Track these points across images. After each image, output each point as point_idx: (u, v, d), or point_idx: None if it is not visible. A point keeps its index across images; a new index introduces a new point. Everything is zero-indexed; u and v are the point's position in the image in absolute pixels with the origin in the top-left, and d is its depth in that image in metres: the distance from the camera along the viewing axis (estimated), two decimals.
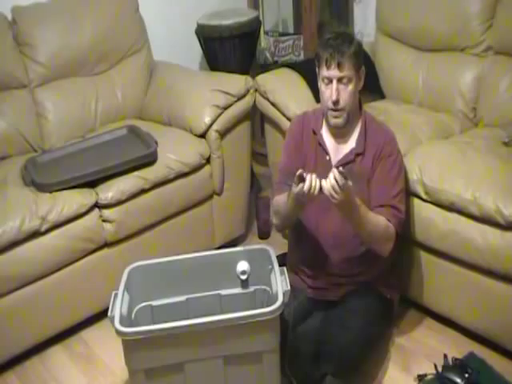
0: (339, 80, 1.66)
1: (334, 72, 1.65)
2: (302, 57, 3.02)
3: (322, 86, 1.70)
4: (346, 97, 1.67)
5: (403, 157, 1.86)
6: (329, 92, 1.68)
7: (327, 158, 1.76)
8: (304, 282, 1.86)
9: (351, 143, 1.77)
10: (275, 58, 3.06)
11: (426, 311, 2.06)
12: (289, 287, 1.58)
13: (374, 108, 2.23)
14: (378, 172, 1.74)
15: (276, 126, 2.38)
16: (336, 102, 1.67)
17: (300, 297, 1.78)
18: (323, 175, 1.64)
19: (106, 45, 2.53)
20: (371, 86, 2.40)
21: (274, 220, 1.83)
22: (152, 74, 2.64)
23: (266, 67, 2.95)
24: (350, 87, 1.67)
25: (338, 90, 1.66)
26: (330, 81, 1.67)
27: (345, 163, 1.73)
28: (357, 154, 1.75)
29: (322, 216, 1.79)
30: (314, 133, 1.80)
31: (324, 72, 1.67)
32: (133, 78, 2.60)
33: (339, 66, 1.64)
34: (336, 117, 1.71)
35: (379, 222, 1.67)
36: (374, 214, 1.67)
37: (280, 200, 1.77)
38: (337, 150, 1.78)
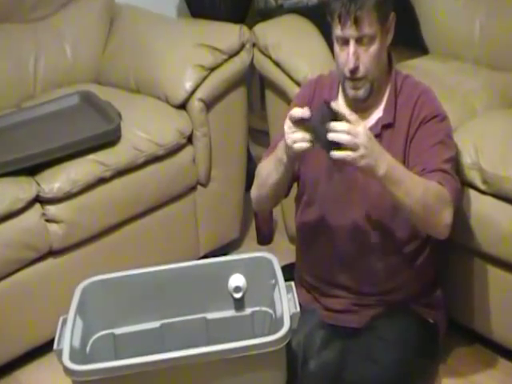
0: (358, 40, 1.66)
1: (350, 31, 1.65)
2: None
3: (336, 47, 1.71)
4: (367, 61, 1.68)
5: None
6: (344, 56, 1.68)
7: None
8: (318, 302, 1.87)
9: (377, 113, 1.78)
10: (280, 1, 3.04)
11: (485, 342, 2.06)
12: (298, 309, 1.58)
13: (412, 68, 2.23)
14: (418, 139, 1.74)
15: (280, 94, 2.38)
16: (354, 70, 1.68)
17: (312, 321, 1.78)
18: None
19: None
20: (409, 38, 2.41)
21: (252, 190, 1.86)
22: (113, 23, 2.65)
23: (268, 14, 2.94)
24: (373, 48, 1.67)
25: (356, 53, 1.66)
26: (346, 42, 1.67)
27: None
28: (384, 125, 1.76)
29: (340, 209, 1.79)
30: None
31: (338, 31, 1.67)
32: (86, 28, 2.60)
33: (357, 22, 1.63)
34: (355, 88, 1.72)
35: (429, 183, 1.66)
36: (420, 177, 1.66)
37: (266, 163, 1.78)
38: None
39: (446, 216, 1.67)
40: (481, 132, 1.95)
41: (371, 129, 1.75)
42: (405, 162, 1.74)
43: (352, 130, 1.50)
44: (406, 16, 2.44)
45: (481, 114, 2.09)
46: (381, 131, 1.75)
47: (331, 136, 1.50)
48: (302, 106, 1.83)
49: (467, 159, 1.90)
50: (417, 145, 1.74)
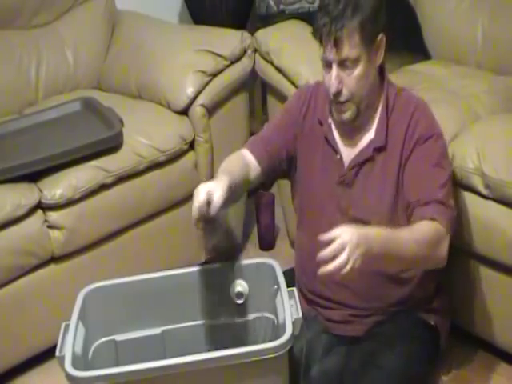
0: (340, 64, 1.61)
1: (331, 54, 1.59)
2: (317, 4, 3.01)
3: (323, 68, 1.67)
4: (351, 85, 1.63)
5: (454, 138, 1.86)
6: (328, 79, 1.64)
7: (337, 156, 1.75)
8: (318, 313, 1.84)
9: (370, 134, 1.74)
10: (281, 7, 3.05)
11: (487, 347, 2.05)
12: (300, 314, 1.56)
13: (414, 72, 2.23)
14: (413, 162, 1.70)
15: (282, 99, 2.37)
16: (337, 94, 1.64)
17: (315, 328, 1.78)
18: (332, 179, 1.68)
19: None
20: (411, 43, 2.41)
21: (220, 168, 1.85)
22: (114, 29, 2.66)
23: (269, 19, 2.95)
24: (358, 71, 1.61)
25: (338, 77, 1.61)
26: (330, 64, 1.63)
27: (362, 162, 1.71)
28: (376, 148, 1.71)
29: (334, 224, 1.76)
30: (320, 123, 1.78)
31: (322, 52, 1.63)
32: (88, 34, 2.61)
33: (337, 45, 1.57)
34: (340, 111, 1.68)
35: (420, 235, 1.62)
36: (410, 230, 1.63)
37: (234, 162, 1.80)
38: (350, 145, 1.75)
39: (442, 250, 1.65)
40: (483, 136, 1.95)
41: (363, 151, 1.72)
42: (398, 184, 1.71)
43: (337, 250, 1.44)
44: (409, 21, 2.45)
45: (483, 119, 2.09)
46: (373, 153, 1.71)
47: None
48: (296, 107, 1.81)
49: (469, 164, 1.90)
50: (412, 168, 1.69)
